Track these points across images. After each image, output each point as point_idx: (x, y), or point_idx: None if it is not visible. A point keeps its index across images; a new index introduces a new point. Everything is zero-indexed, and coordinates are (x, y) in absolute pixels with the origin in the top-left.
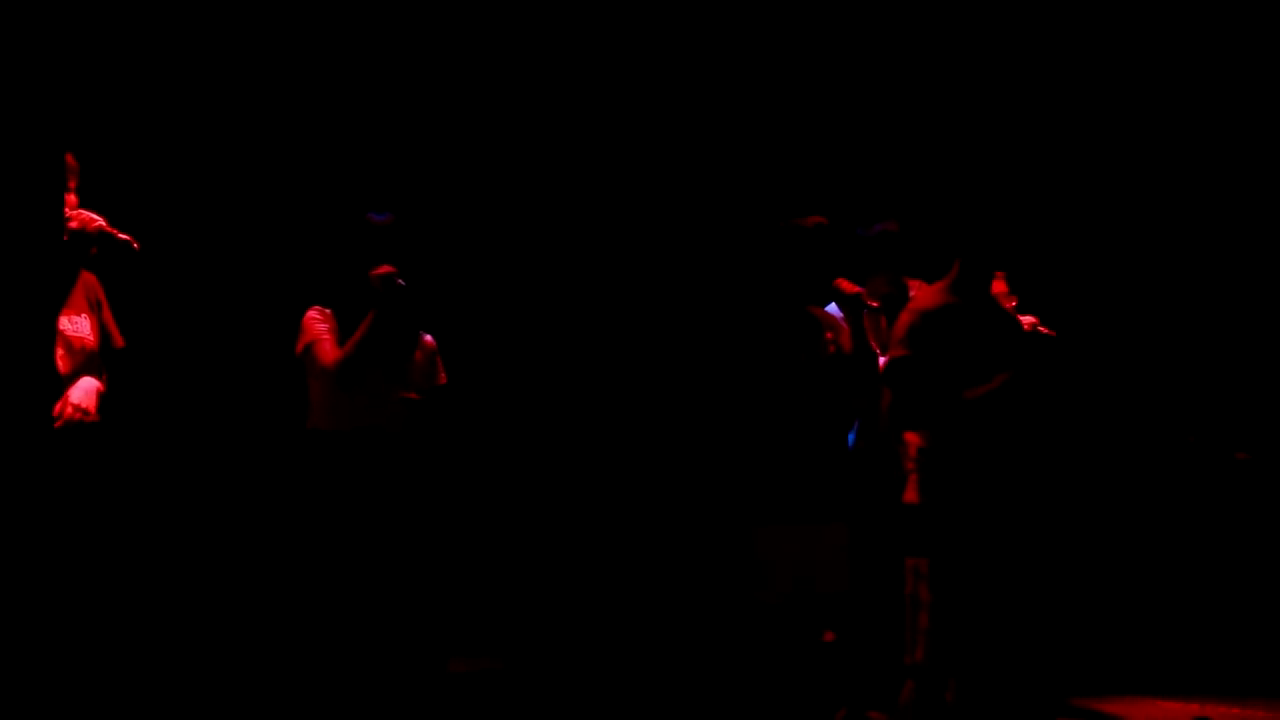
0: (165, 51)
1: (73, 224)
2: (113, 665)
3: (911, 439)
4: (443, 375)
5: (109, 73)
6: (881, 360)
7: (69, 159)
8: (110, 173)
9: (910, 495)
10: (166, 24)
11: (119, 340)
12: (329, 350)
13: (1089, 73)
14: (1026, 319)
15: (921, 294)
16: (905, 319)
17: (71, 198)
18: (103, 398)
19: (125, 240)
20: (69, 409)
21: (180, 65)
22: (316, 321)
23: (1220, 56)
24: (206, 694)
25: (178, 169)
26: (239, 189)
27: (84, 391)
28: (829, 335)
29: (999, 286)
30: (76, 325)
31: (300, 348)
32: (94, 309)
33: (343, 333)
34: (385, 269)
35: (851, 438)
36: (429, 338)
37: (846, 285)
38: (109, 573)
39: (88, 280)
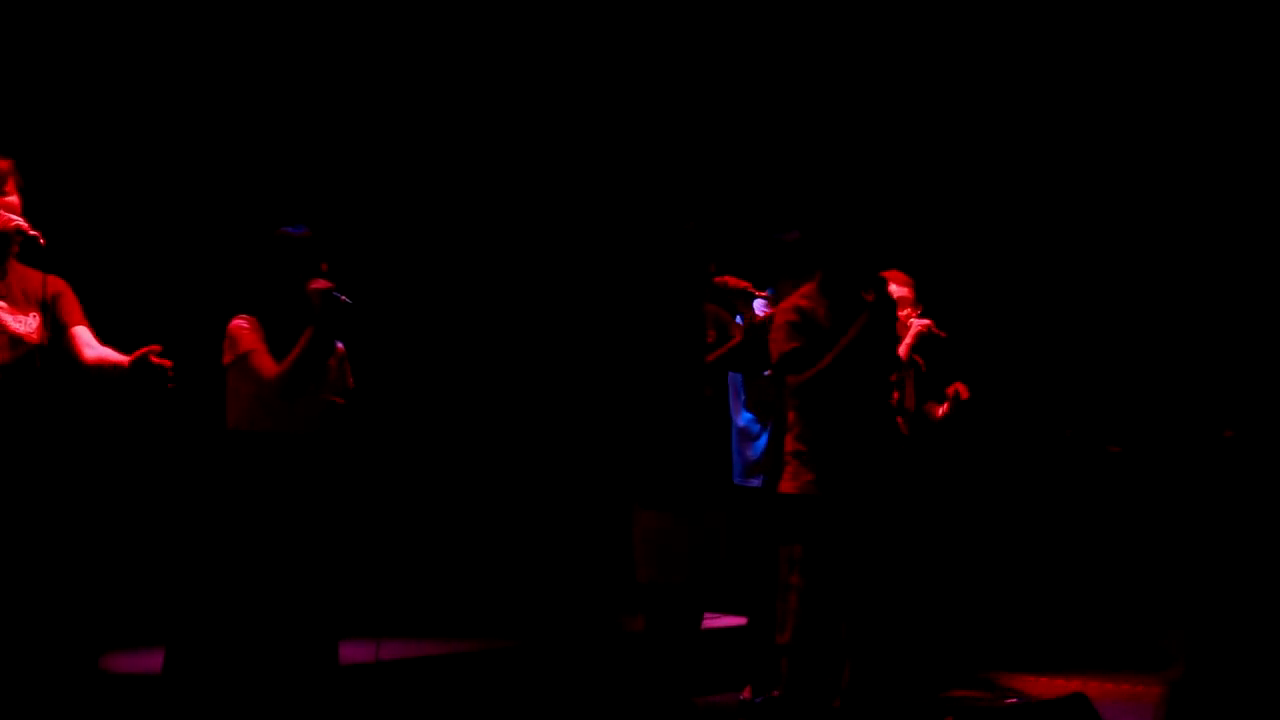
0: (91, 62)
1: None
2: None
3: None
4: (350, 379)
5: (32, 80)
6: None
7: (4, 163)
8: (34, 184)
9: (784, 486)
10: (96, 36)
11: (84, 320)
12: (268, 363)
13: (960, 85)
14: (921, 322)
15: (794, 295)
16: (785, 317)
17: (12, 200)
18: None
19: (34, 236)
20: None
21: (105, 77)
22: (248, 331)
23: (1086, 58)
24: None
25: (99, 182)
26: (160, 201)
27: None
28: (712, 335)
29: (905, 293)
30: (23, 323)
31: (230, 357)
32: (44, 308)
33: (269, 343)
34: (322, 284)
35: (764, 440)
36: (339, 344)
37: (732, 280)
38: (35, 571)
39: (48, 283)
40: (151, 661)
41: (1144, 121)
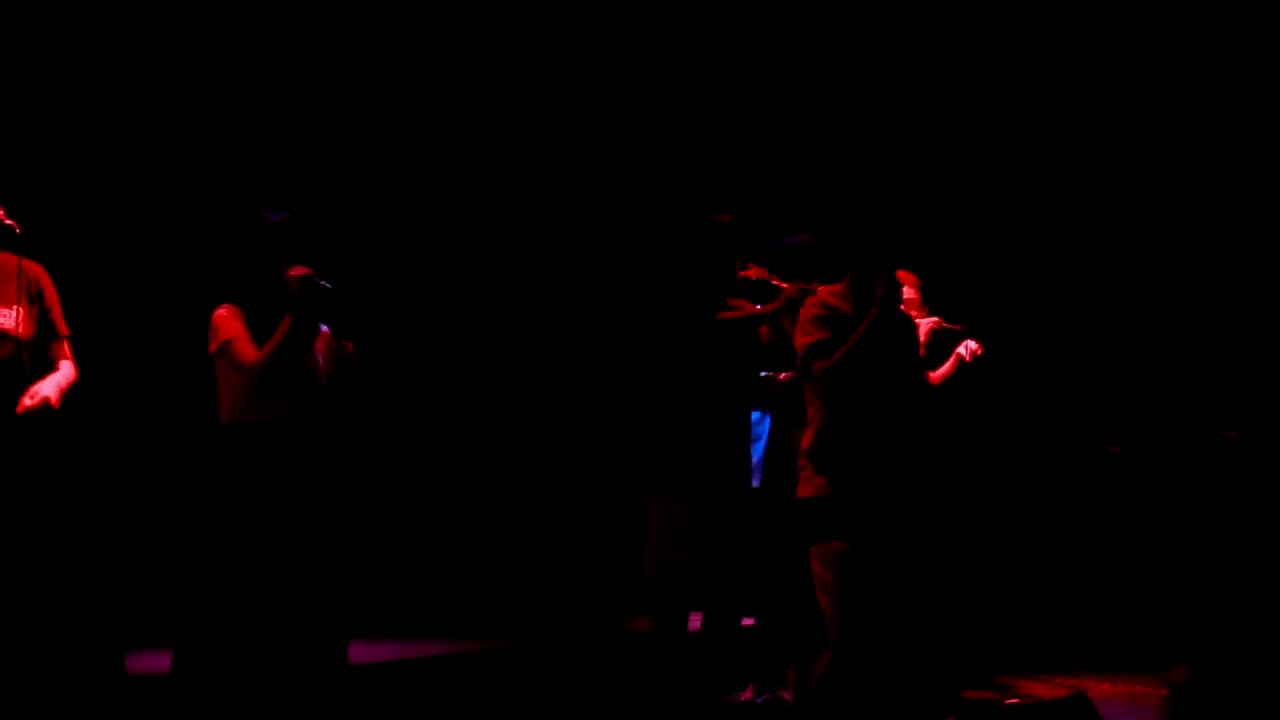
0: (65, 53)
1: None
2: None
3: (796, 437)
4: (349, 344)
5: (11, 71)
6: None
7: None
8: (13, 172)
9: (802, 490)
10: (76, 25)
11: (64, 329)
12: (249, 350)
13: (965, 88)
14: (930, 320)
15: (822, 292)
16: (811, 310)
17: None
18: (71, 389)
19: (9, 225)
20: (30, 400)
21: (82, 67)
22: (230, 320)
23: (1093, 61)
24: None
25: (77, 171)
26: (137, 189)
27: (53, 384)
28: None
29: (911, 295)
30: (6, 317)
31: (214, 346)
32: (32, 300)
33: (251, 331)
34: (302, 270)
35: (763, 443)
36: (323, 327)
37: (754, 272)
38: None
39: (27, 271)
40: (150, 662)
41: (1145, 123)
